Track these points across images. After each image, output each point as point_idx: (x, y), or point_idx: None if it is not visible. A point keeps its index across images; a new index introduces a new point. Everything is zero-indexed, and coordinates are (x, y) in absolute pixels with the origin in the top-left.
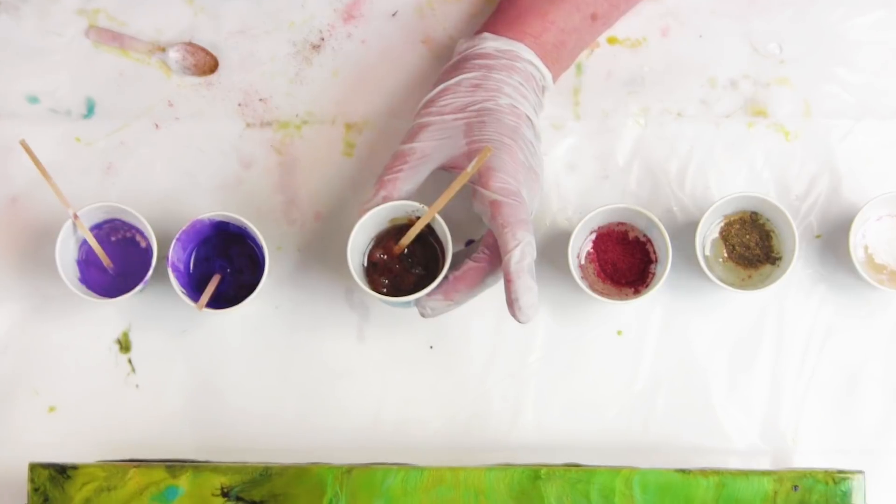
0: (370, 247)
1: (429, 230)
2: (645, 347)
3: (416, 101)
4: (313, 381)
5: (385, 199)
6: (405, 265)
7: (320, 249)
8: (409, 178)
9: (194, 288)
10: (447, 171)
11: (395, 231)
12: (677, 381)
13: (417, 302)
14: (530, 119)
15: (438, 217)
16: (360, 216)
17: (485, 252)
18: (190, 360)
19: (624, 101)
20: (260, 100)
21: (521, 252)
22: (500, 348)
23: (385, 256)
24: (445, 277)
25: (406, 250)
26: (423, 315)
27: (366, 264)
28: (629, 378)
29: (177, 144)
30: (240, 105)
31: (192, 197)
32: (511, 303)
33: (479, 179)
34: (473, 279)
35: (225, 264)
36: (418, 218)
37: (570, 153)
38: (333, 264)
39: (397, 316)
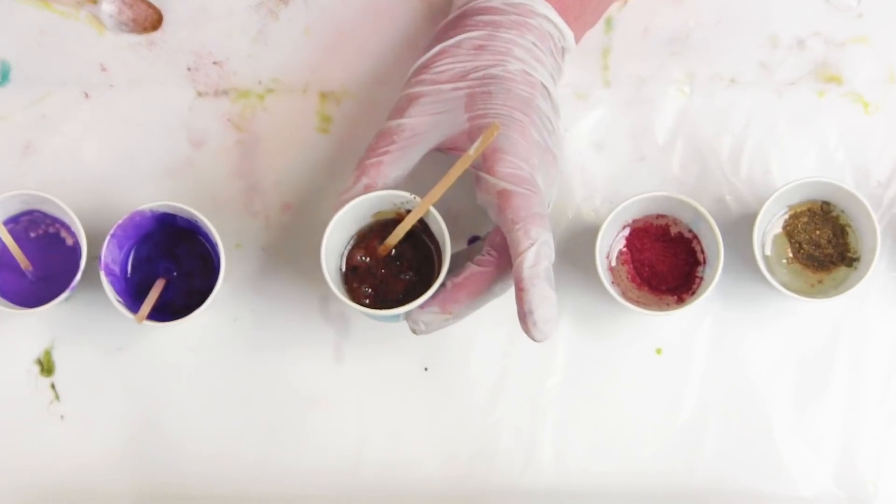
0: (350, 247)
1: (422, 226)
2: (690, 370)
3: (407, 66)
4: (280, 412)
5: (367, 188)
6: (392, 270)
7: (289, 248)
8: (398, 161)
9: (133, 296)
10: (444, 153)
11: (381, 228)
12: (730, 413)
13: (407, 316)
14: (546, 88)
15: (433, 210)
16: (336, 209)
17: (491, 254)
18: (128, 386)
19: (664, 64)
20: (214, 63)
21: (537, 253)
22: (511, 371)
23: (367, 259)
24: (443, 285)
25: (393, 251)
26: (414, 331)
27: (344, 269)
28: (671, 408)
29: (112, 118)
30: (189, 69)
31: (131, 183)
32: (524, 316)
33: (483, 164)
34: (477, 287)
35: (171, 266)
36: (408, 211)
37: (597, 129)
38: (305, 267)
39: (383, 331)
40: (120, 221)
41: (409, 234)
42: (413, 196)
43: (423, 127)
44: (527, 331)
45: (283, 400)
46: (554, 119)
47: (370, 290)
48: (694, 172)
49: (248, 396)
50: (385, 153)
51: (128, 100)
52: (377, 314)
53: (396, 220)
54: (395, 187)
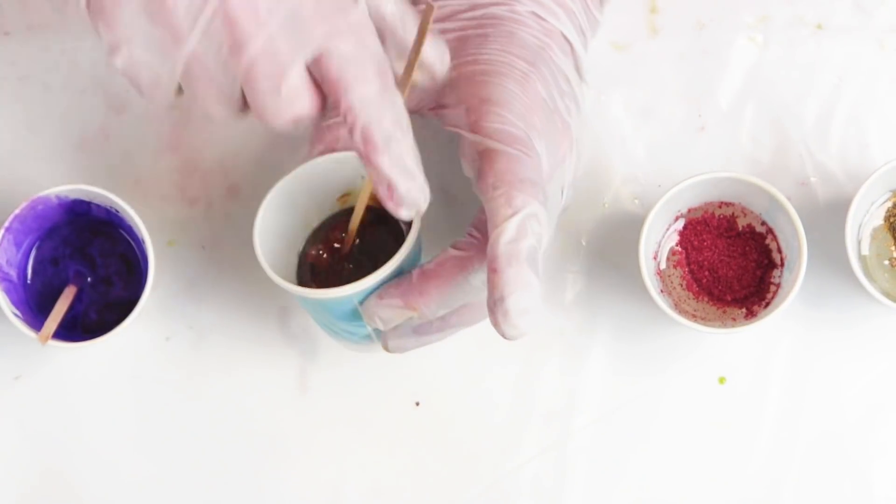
0: (306, 238)
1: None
2: (764, 406)
3: None
4: (226, 458)
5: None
6: (360, 266)
7: (237, 245)
8: None
9: (35, 308)
10: (425, 115)
11: (345, 217)
12: (818, 459)
13: (362, 308)
14: (569, 42)
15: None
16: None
17: (474, 235)
18: (27, 425)
19: (730, 4)
20: None
21: (519, 226)
22: (529, 407)
23: (325, 254)
24: (408, 272)
25: (358, 240)
26: (385, 348)
27: (300, 265)
28: (739, 453)
29: (4, 75)
30: None
31: (29, 161)
32: (493, 304)
33: (466, 118)
34: (450, 276)
35: (83, 269)
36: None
37: (641, 90)
38: (259, 270)
39: (361, 353)
40: (17, 211)
41: (381, 220)
42: None
43: (397, 78)
44: (495, 323)
45: (231, 443)
46: (575, 81)
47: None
48: (769, 147)
49: (183, 439)
50: None
51: (24, 51)
52: (315, 298)
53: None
54: None
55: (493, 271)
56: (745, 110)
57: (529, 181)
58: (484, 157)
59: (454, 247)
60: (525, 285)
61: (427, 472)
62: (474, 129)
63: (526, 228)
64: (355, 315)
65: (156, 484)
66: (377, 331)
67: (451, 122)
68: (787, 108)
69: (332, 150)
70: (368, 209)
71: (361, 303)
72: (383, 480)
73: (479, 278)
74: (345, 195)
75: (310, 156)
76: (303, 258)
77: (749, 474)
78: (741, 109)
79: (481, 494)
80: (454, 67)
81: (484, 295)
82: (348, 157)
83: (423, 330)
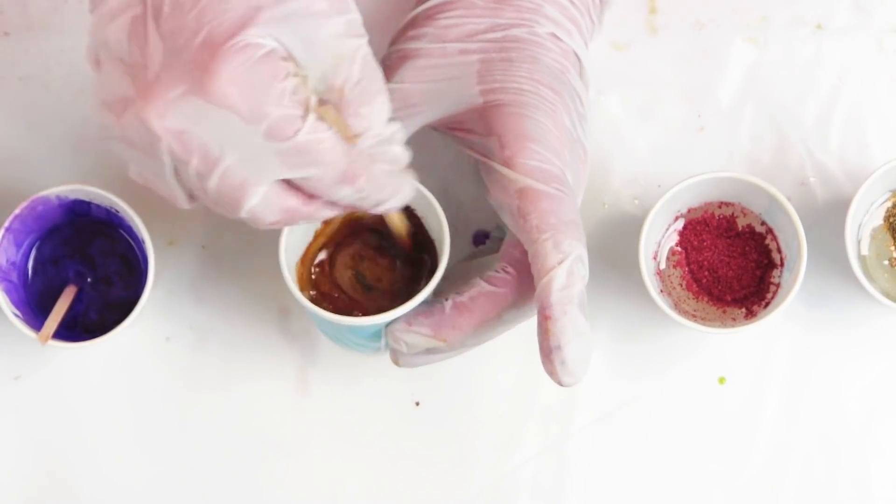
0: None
1: (413, 219)
2: (763, 406)
3: (399, 16)
4: (226, 460)
5: None
6: (364, 284)
7: (238, 246)
8: None
9: (34, 307)
10: (442, 132)
11: (355, 227)
12: (817, 459)
13: (387, 331)
14: (579, 59)
15: (428, 194)
16: None
17: (507, 271)
18: (27, 426)
19: (730, 4)
20: None
21: (569, 273)
22: (529, 407)
23: (323, 268)
24: (440, 302)
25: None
26: (395, 363)
27: (306, 269)
28: (738, 455)
29: (4, 75)
30: None
31: (29, 161)
32: (549, 352)
33: (500, 152)
34: (484, 312)
35: (83, 269)
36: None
37: (641, 90)
38: (260, 270)
39: (361, 354)
40: (17, 211)
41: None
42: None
43: (419, 97)
44: (552, 372)
45: (231, 444)
46: (585, 100)
47: (337, 295)
48: (768, 147)
49: (183, 439)
50: None
51: (25, 48)
52: (337, 322)
53: (373, 226)
54: None
55: (546, 318)
56: (745, 110)
57: (573, 223)
58: (524, 197)
59: (487, 281)
60: (580, 333)
61: (427, 472)
62: (509, 164)
63: (574, 273)
64: (375, 336)
65: (156, 484)
66: (388, 344)
67: (480, 151)
68: (787, 108)
69: None
70: (367, 230)
71: (388, 326)
72: (383, 480)
73: (511, 315)
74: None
75: None
76: (310, 259)
77: (749, 474)
78: (741, 109)
79: (481, 494)
80: (480, 94)
81: (509, 327)
82: None
83: (436, 350)
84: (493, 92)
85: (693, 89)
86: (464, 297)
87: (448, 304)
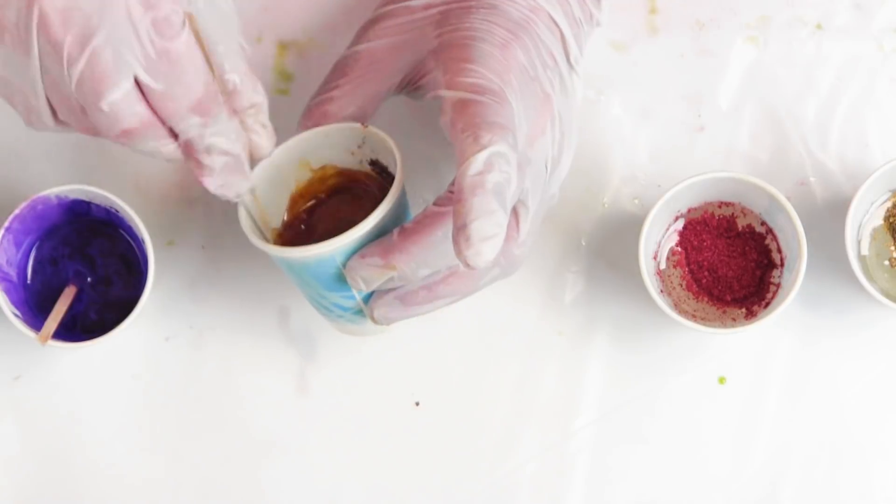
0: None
1: (381, 172)
2: (763, 406)
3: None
4: (226, 460)
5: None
6: (339, 223)
7: (237, 245)
8: (349, 98)
9: (34, 307)
10: (413, 96)
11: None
12: (817, 459)
13: (346, 269)
14: (556, 24)
15: (383, 135)
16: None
17: (451, 191)
18: (26, 426)
19: (730, 5)
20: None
21: (486, 161)
22: (529, 407)
23: (303, 225)
24: (386, 229)
25: (340, 209)
26: (372, 318)
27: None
28: (738, 455)
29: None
30: None
31: (29, 161)
32: (456, 233)
33: (442, 78)
34: (431, 233)
35: (83, 269)
36: (372, 162)
37: (641, 90)
38: (259, 270)
39: (361, 353)
40: (16, 211)
41: (372, 196)
42: (357, 124)
43: (383, 52)
44: (458, 252)
45: (231, 444)
46: (563, 64)
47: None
48: (768, 147)
49: (183, 438)
50: (334, 88)
51: None
52: (295, 254)
53: (356, 187)
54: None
55: (457, 201)
56: (745, 110)
57: (498, 125)
58: (456, 108)
59: (435, 203)
60: (488, 212)
61: (427, 472)
62: (449, 86)
63: (493, 164)
64: (340, 280)
65: (156, 483)
66: (366, 300)
67: (430, 87)
68: (787, 108)
69: (319, 125)
70: (348, 177)
71: (345, 264)
72: (383, 480)
73: None
74: (323, 167)
75: (299, 131)
76: (285, 227)
77: (749, 474)
78: (740, 109)
79: (481, 494)
80: (436, 37)
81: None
82: (337, 127)
83: (409, 299)
84: (446, 34)
85: (692, 89)
86: (410, 223)
87: (395, 230)
